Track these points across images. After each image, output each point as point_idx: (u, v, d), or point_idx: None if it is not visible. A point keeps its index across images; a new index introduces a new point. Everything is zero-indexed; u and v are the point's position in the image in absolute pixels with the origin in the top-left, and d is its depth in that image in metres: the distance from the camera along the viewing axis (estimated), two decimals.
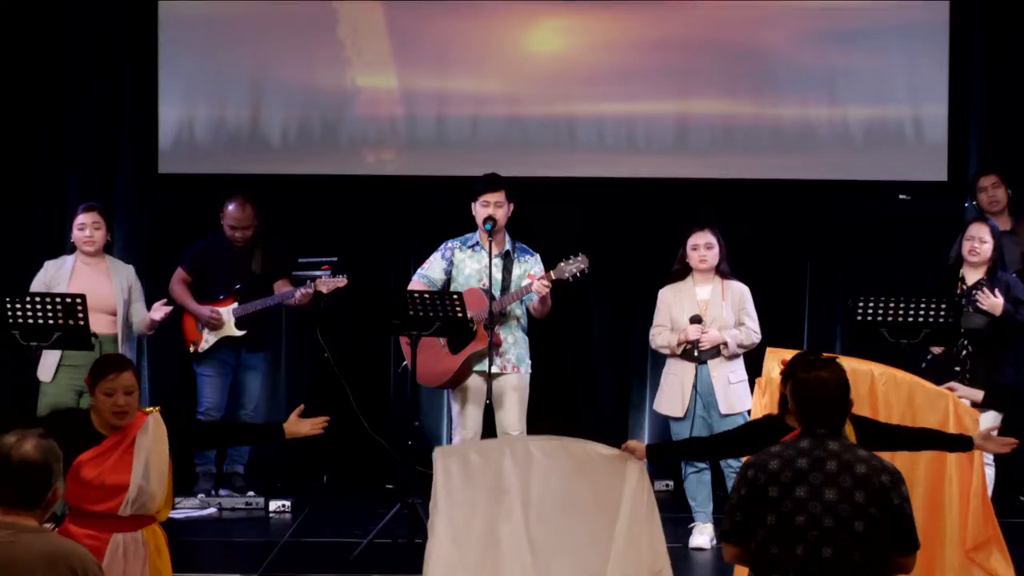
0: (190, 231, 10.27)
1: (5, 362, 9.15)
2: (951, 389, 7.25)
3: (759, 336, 8.86)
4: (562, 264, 8.76)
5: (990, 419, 8.40)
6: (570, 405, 10.63)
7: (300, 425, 6.48)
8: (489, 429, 8.86)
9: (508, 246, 8.91)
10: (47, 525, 4.51)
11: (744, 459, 5.35)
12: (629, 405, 10.86)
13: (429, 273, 8.95)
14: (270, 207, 10.14)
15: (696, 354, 8.79)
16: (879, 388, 7.01)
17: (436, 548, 6.37)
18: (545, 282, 8.64)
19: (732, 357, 8.80)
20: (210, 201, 10.10)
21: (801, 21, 10.68)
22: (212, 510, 9.78)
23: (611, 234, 10.51)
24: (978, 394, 7.46)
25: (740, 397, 8.70)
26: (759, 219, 10.55)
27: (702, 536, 8.81)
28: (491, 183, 8.83)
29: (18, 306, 8.43)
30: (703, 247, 8.87)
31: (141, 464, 6.06)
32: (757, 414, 7.10)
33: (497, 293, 8.75)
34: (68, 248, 9.41)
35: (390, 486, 10.29)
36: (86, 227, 9.29)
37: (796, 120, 10.71)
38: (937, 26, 10.57)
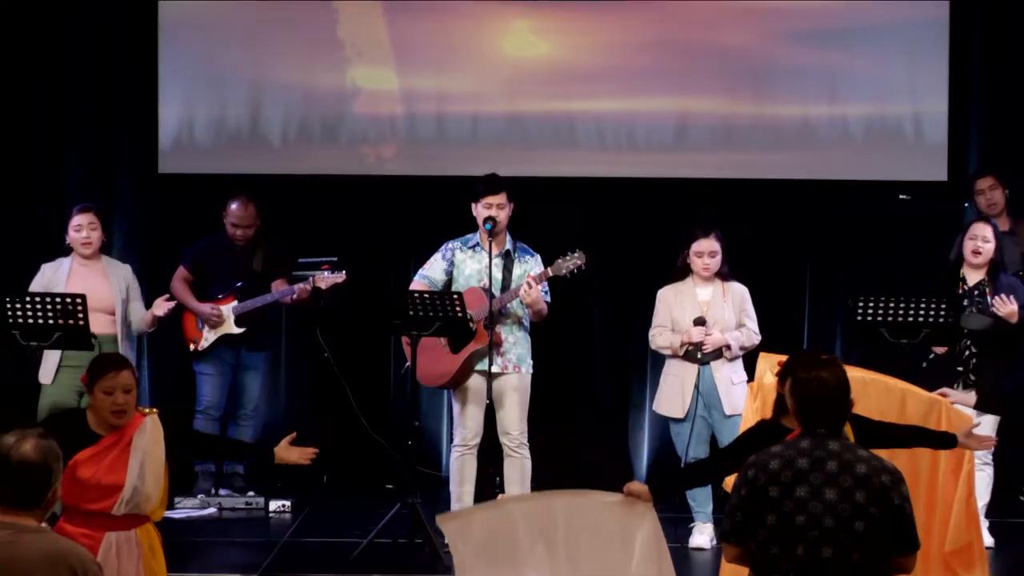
0: (190, 231, 10.27)
1: (5, 362, 9.14)
2: (943, 395, 7.25)
3: (759, 337, 8.87)
4: (559, 261, 8.77)
5: (988, 425, 8.44)
6: (570, 405, 10.63)
7: (290, 452, 6.53)
8: (490, 429, 8.86)
9: (509, 246, 8.91)
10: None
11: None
12: (629, 405, 10.85)
13: (430, 273, 8.95)
14: (270, 207, 10.13)
15: (699, 356, 8.79)
16: (871, 395, 7.00)
17: None
18: (526, 287, 8.62)
19: (733, 359, 8.81)
20: (210, 201, 10.11)
21: (801, 21, 10.67)
22: (212, 510, 9.78)
23: (611, 234, 10.51)
24: (971, 398, 7.44)
25: (743, 397, 8.68)
26: (759, 219, 10.55)
27: (702, 536, 8.81)
28: (492, 185, 8.82)
29: (18, 306, 8.43)
30: (707, 255, 8.86)
31: (137, 465, 6.07)
32: (748, 418, 7.09)
33: (497, 293, 8.75)
34: (64, 250, 9.40)
35: (390, 486, 10.29)
36: (83, 228, 9.29)
37: (796, 120, 10.70)
38: (937, 26, 10.57)
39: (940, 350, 8.82)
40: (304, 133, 10.80)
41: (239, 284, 9.85)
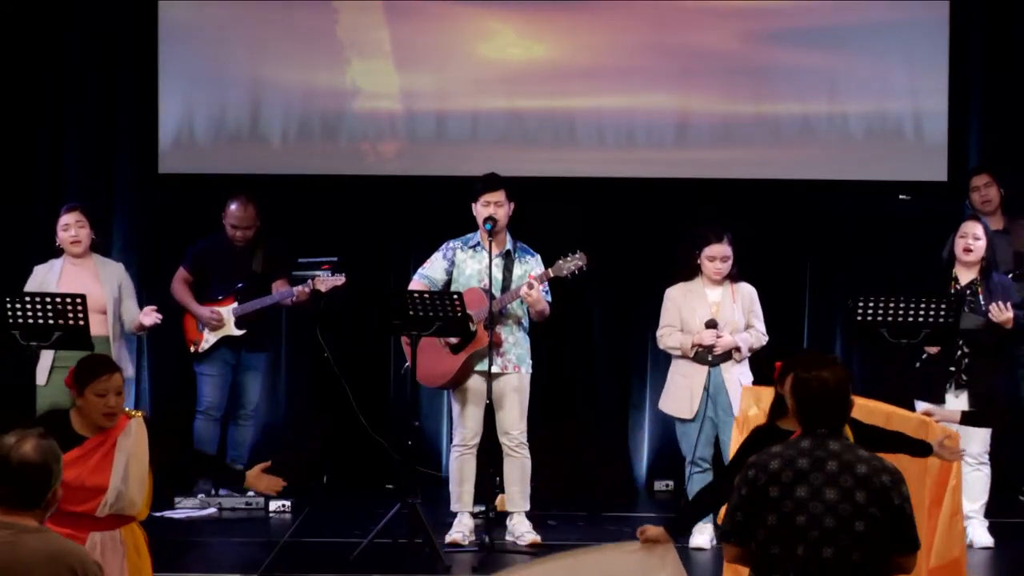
0: (190, 231, 10.27)
1: (5, 362, 9.14)
2: (928, 414, 7.25)
3: (767, 338, 8.88)
4: (560, 262, 8.77)
5: (979, 441, 8.47)
6: (570, 405, 10.63)
7: (259, 481, 6.60)
8: (489, 429, 8.86)
9: (509, 246, 8.91)
10: None
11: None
12: (629, 405, 10.85)
13: (430, 273, 8.95)
14: (270, 207, 10.13)
15: (709, 358, 8.79)
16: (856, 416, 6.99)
17: None
18: (527, 288, 8.62)
19: (742, 360, 8.83)
20: (210, 201, 10.10)
21: (801, 20, 10.67)
22: (212, 510, 9.78)
23: (611, 233, 10.51)
24: (955, 415, 7.47)
25: None
26: (759, 219, 10.54)
27: (702, 536, 8.80)
28: (491, 183, 8.83)
29: (18, 306, 8.43)
30: (720, 259, 8.85)
31: (121, 467, 6.08)
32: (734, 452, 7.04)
33: (497, 293, 8.75)
34: (55, 252, 9.39)
35: (390, 486, 10.29)
36: (70, 227, 9.27)
37: (796, 119, 10.71)
38: (937, 25, 10.57)
39: (932, 350, 8.81)
40: (304, 133, 10.80)
41: (239, 285, 9.85)
